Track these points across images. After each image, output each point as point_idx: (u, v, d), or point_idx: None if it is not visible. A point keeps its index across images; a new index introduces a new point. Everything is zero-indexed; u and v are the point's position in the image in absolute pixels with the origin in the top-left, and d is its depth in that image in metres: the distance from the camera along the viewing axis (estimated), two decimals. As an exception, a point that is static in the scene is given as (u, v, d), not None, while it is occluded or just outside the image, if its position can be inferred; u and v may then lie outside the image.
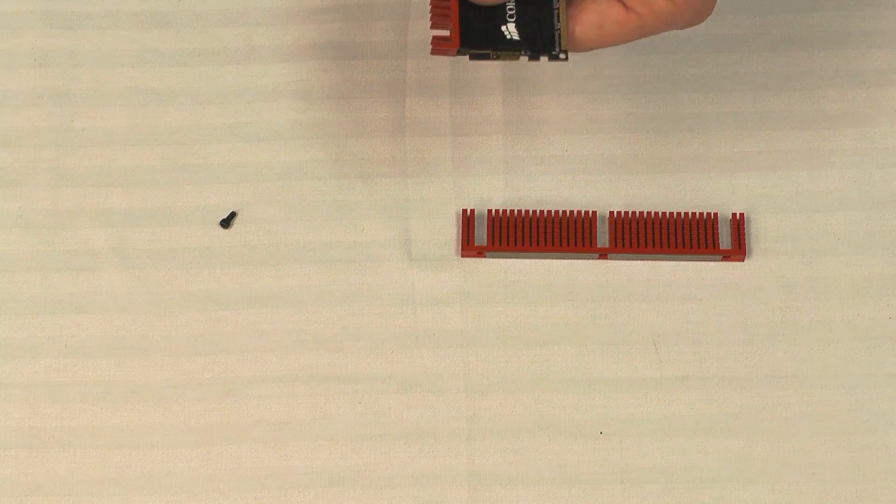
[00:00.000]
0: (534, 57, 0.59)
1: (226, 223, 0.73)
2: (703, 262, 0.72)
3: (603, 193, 0.73)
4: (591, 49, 0.61)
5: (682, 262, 0.72)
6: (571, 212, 0.71)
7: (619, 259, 0.72)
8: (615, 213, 0.72)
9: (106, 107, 0.75)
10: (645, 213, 0.72)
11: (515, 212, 0.72)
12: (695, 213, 0.71)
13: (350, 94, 0.75)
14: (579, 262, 0.72)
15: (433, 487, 0.68)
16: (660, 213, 0.72)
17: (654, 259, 0.72)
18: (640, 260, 0.72)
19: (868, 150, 0.74)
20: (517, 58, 0.59)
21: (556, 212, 0.71)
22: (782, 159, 0.74)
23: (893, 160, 0.74)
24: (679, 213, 0.71)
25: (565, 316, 0.71)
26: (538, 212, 0.72)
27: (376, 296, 0.71)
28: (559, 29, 0.59)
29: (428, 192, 0.73)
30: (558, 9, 0.60)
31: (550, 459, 0.68)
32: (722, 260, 0.71)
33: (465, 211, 0.72)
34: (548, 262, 0.72)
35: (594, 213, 0.72)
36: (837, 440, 0.68)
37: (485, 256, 0.72)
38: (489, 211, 0.72)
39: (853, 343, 0.70)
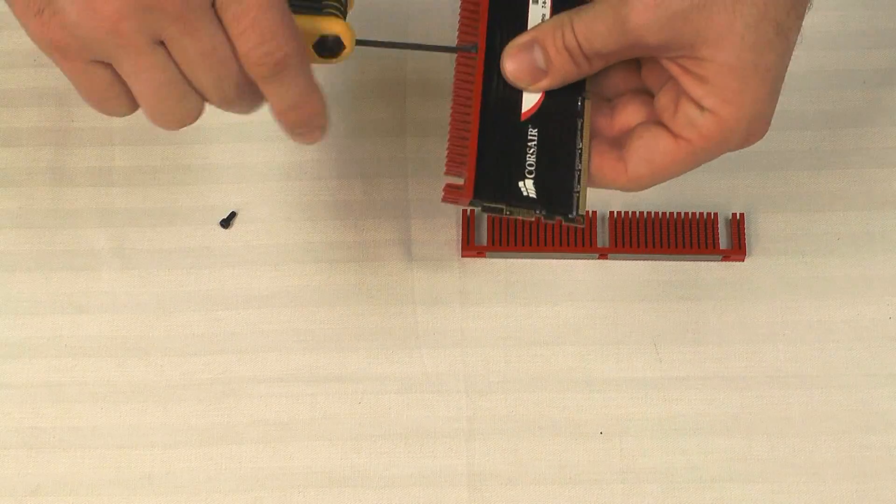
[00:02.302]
0: (549, 217, 0.57)
1: (226, 223, 0.73)
2: (703, 262, 0.72)
3: (603, 193, 0.72)
4: (648, 187, 0.59)
5: (682, 262, 0.72)
6: (571, 212, 0.71)
7: (619, 259, 0.72)
8: (615, 213, 0.72)
9: (106, 107, 0.75)
10: (645, 213, 0.72)
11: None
12: (695, 213, 0.71)
13: (350, 94, 0.75)
14: (579, 262, 0.72)
15: (433, 487, 0.68)
16: (660, 213, 0.72)
17: (654, 259, 0.72)
18: (640, 260, 0.72)
19: (868, 150, 0.74)
20: (531, 216, 0.57)
21: (556, 212, 0.71)
22: (782, 159, 0.74)
23: (893, 160, 0.74)
24: (679, 213, 0.71)
25: (565, 316, 0.71)
26: (538, 212, 0.72)
27: (376, 296, 0.71)
28: (579, 192, 0.58)
29: (428, 192, 0.73)
30: (580, 170, 0.58)
31: (550, 459, 0.68)
32: (722, 260, 0.71)
33: (465, 211, 0.72)
34: (548, 262, 0.72)
35: (594, 213, 0.72)
36: (837, 440, 0.68)
37: (485, 256, 0.72)
38: (489, 211, 0.72)
39: (853, 343, 0.70)
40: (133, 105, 0.55)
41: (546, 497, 0.67)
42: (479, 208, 0.57)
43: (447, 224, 0.73)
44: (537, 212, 0.57)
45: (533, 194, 0.57)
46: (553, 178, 0.58)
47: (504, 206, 0.57)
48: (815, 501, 0.67)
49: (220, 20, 0.53)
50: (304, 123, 0.57)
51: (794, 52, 0.76)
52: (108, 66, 0.54)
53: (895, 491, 0.67)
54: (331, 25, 0.57)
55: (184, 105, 0.55)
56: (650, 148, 0.58)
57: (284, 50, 0.54)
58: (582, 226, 0.58)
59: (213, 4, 0.53)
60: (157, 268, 0.72)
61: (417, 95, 0.75)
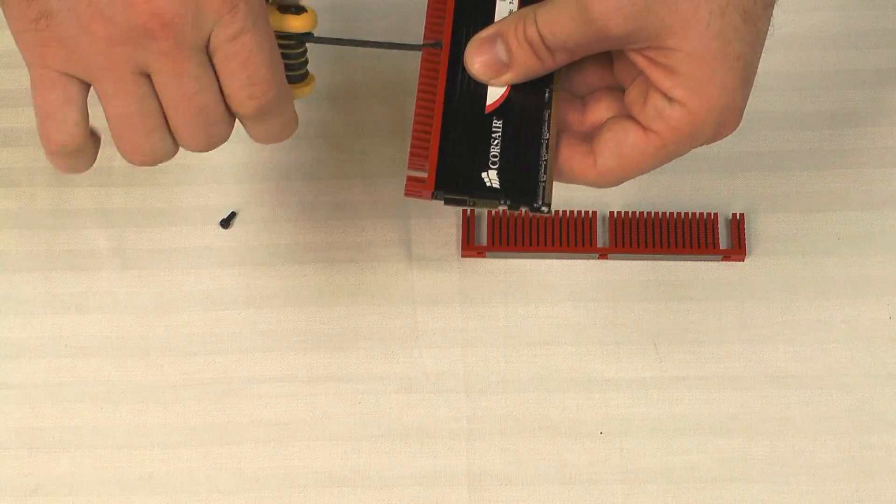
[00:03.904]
0: (513, 207, 0.57)
1: (226, 223, 0.73)
2: (703, 262, 0.72)
3: (603, 193, 0.73)
4: (618, 182, 0.58)
5: (682, 262, 0.72)
6: (571, 212, 0.71)
7: (619, 259, 0.72)
8: (615, 213, 0.72)
9: (106, 107, 0.76)
10: (645, 213, 0.72)
11: (515, 212, 0.71)
12: (695, 213, 0.71)
13: (350, 94, 0.75)
14: (579, 262, 0.72)
15: (433, 487, 0.68)
16: (660, 213, 0.72)
17: (654, 259, 0.72)
18: (640, 260, 0.72)
19: (868, 150, 0.74)
20: (496, 206, 0.57)
21: (557, 212, 0.71)
22: (782, 159, 0.74)
23: (893, 160, 0.74)
24: (679, 213, 0.71)
25: (565, 316, 0.71)
26: (538, 212, 0.72)
27: (376, 296, 0.71)
28: (545, 181, 0.57)
29: (428, 192, 0.73)
30: (546, 160, 0.57)
31: (550, 459, 0.68)
32: (722, 260, 0.71)
33: (465, 211, 0.72)
34: (548, 262, 0.72)
35: (594, 213, 0.72)
36: (837, 440, 0.68)
37: (485, 256, 0.72)
38: (489, 211, 0.72)
39: (853, 343, 0.70)
40: (71, 139, 0.56)
41: (546, 497, 0.67)
42: (443, 200, 0.57)
43: (447, 224, 0.73)
44: (501, 202, 0.57)
45: (497, 184, 0.57)
46: (518, 168, 0.57)
47: (467, 198, 0.57)
48: (815, 501, 0.67)
49: (211, 62, 0.54)
50: (275, 141, 0.59)
51: (794, 53, 0.76)
52: (79, 83, 0.55)
53: (895, 491, 0.67)
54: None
55: (150, 141, 0.56)
56: (620, 141, 0.57)
57: (269, 95, 0.55)
58: (549, 215, 0.58)
59: (208, 47, 0.53)
60: (157, 268, 0.72)
61: (417, 95, 0.75)
